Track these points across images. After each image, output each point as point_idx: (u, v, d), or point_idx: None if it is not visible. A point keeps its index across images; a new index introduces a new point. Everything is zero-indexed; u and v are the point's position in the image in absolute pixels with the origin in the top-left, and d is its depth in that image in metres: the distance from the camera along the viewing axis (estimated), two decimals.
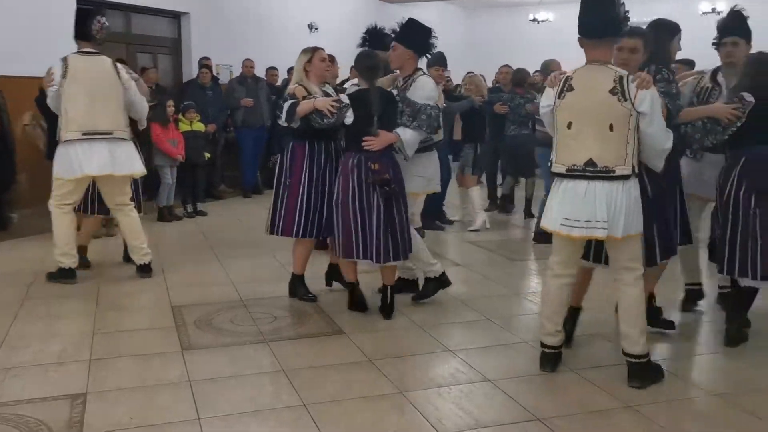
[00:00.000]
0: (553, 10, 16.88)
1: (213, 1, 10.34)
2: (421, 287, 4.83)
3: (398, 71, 4.68)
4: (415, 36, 4.59)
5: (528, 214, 8.01)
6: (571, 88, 3.39)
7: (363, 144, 4.24)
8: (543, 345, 3.66)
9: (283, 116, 4.44)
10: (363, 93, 4.31)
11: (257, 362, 3.78)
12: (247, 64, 9.55)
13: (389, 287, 4.47)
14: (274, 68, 10.23)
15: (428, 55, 4.79)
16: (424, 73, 4.64)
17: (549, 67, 6.91)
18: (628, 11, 3.39)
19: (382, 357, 3.84)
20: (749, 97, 3.82)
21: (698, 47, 5.49)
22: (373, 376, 3.60)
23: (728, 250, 3.91)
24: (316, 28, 12.23)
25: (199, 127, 8.31)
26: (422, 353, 3.92)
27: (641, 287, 3.49)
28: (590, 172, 3.33)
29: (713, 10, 15.30)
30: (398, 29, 4.62)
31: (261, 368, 3.69)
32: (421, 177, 4.68)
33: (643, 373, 3.46)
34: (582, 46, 3.44)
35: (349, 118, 4.27)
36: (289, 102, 4.44)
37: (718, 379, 3.68)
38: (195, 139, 8.06)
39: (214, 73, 9.94)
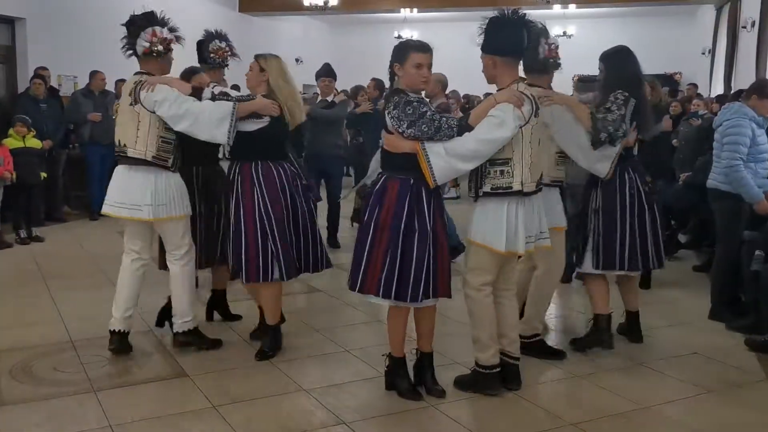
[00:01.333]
0: (417, 27, 17.14)
1: (53, 5, 9.49)
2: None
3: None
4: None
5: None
6: (538, 106, 3.45)
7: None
8: (485, 367, 3.51)
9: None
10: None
11: (81, 417, 3.29)
12: (99, 77, 8.82)
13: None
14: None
15: None
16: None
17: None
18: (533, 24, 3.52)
19: (228, 402, 3.47)
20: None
21: None
22: (216, 427, 3.22)
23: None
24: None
25: (35, 143, 7.53)
26: (273, 394, 3.58)
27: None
28: (538, 186, 3.49)
29: (564, 34, 16.11)
30: None
31: (85, 425, 3.21)
32: None
33: (519, 374, 3.65)
34: (495, 66, 3.40)
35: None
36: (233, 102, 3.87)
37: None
38: (27, 156, 7.28)
39: (55, 84, 9.11)
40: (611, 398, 3.58)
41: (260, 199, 3.89)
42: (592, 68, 4.32)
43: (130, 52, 3.99)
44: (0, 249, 6.94)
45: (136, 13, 3.99)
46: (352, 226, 7.88)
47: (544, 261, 4.04)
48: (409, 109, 3.26)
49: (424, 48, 3.38)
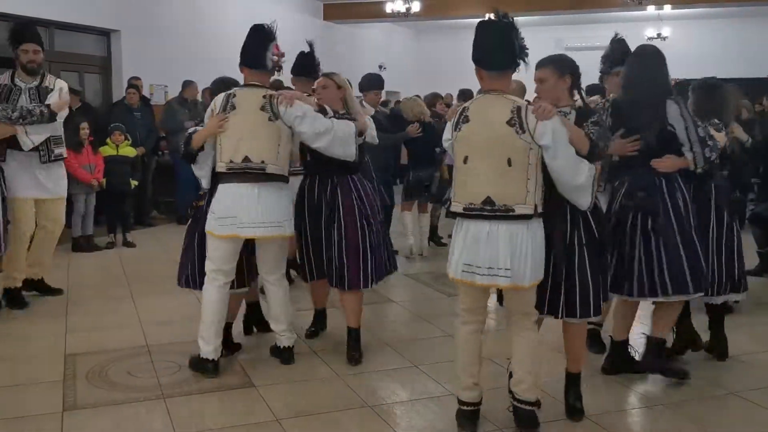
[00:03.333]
0: None
1: (146, 18, 9.88)
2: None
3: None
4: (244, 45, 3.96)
5: None
6: (466, 120, 3.09)
7: None
8: (460, 401, 3.29)
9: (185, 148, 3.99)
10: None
11: (147, 425, 3.33)
12: (194, 87, 9.11)
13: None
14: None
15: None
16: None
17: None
18: (523, 38, 3.11)
19: (292, 415, 3.43)
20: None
21: None
22: None
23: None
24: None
25: (129, 151, 7.81)
26: (337, 410, 3.51)
27: (537, 331, 3.28)
28: (488, 211, 3.01)
29: (659, 36, 15.46)
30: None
31: None
32: (211, 213, 3.95)
33: (533, 420, 3.22)
34: (479, 77, 3.16)
35: None
36: (190, 130, 4.05)
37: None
38: (119, 164, 7.55)
39: (146, 94, 9.46)
40: (698, 431, 3.31)
41: (361, 211, 4.05)
42: (688, 71, 4.08)
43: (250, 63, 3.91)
44: (90, 252, 7.24)
45: (261, 24, 3.92)
46: (429, 245, 7.71)
47: None
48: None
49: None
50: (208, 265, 3.88)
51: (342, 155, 3.92)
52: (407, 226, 7.13)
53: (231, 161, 3.78)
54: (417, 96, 8.13)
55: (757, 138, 6.77)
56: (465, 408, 3.26)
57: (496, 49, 3.05)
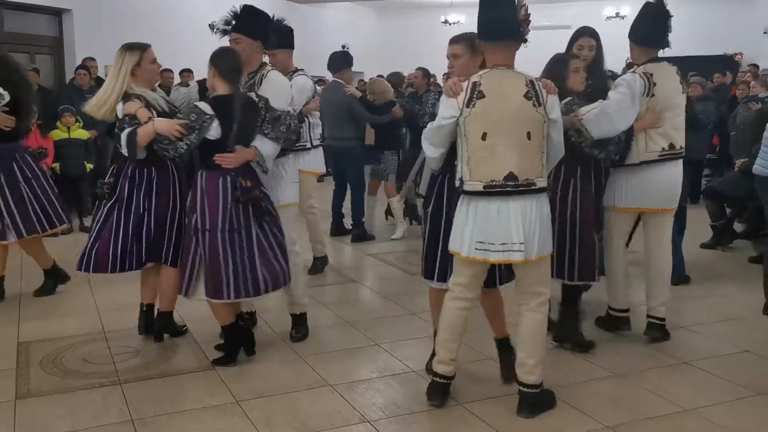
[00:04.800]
0: (464, 12, 16.78)
1: None
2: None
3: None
4: (257, 24, 3.91)
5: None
6: (481, 95, 3.02)
7: (216, 161, 3.57)
8: (434, 374, 3.29)
9: (124, 149, 3.68)
10: (225, 99, 3.60)
11: (103, 411, 3.27)
12: (167, 75, 8.91)
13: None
14: (188, 70, 9.51)
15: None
16: (272, 68, 4.04)
17: None
18: (529, 14, 3.10)
19: (253, 397, 3.40)
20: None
21: (607, 51, 5.30)
22: (237, 423, 3.15)
23: None
24: (219, 29, 11.65)
25: (81, 134, 7.62)
26: (297, 390, 3.50)
27: (545, 313, 3.25)
28: (511, 187, 3.02)
29: (617, 15, 15.58)
30: (235, 18, 3.86)
31: (106, 419, 3.19)
32: (295, 183, 4.14)
33: (535, 403, 3.20)
34: (483, 51, 3.17)
35: (214, 131, 3.55)
36: (127, 130, 3.65)
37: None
38: (72, 147, 7.37)
39: (102, 75, 9.22)
40: (653, 400, 3.38)
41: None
42: None
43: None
44: (44, 238, 7.05)
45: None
46: (387, 219, 7.77)
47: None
48: None
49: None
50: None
51: None
52: (398, 212, 7.19)
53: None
54: (380, 76, 8.09)
55: (710, 117, 6.90)
56: (438, 380, 3.27)
57: (498, 19, 3.05)
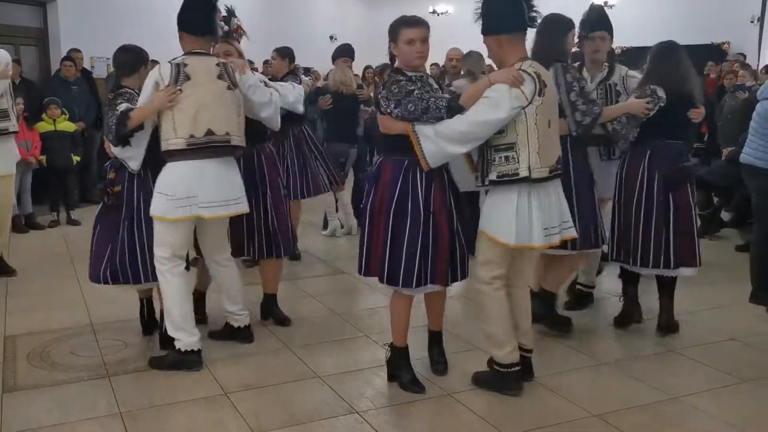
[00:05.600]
0: (452, 2, 16.74)
1: None
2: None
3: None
4: (183, 9, 3.63)
5: None
6: (545, 85, 3.12)
7: None
8: (506, 365, 3.28)
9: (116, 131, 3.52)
10: None
11: (91, 404, 3.26)
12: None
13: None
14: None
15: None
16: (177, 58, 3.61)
17: (477, 60, 5.94)
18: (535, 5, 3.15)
19: (241, 389, 3.40)
20: (661, 92, 3.87)
21: None
22: (225, 415, 3.15)
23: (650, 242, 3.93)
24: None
25: (68, 126, 7.56)
26: (286, 381, 3.50)
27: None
28: (559, 170, 3.24)
29: (606, 4, 15.57)
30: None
31: (94, 412, 3.18)
32: (159, 194, 3.60)
33: (531, 367, 3.49)
34: (498, 46, 3.15)
35: None
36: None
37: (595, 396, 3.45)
38: (59, 140, 7.31)
39: (87, 66, 9.16)
40: (639, 388, 3.41)
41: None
42: (635, 40, 4.10)
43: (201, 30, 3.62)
44: (27, 232, 7.01)
45: None
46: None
47: None
48: (395, 88, 3.12)
49: (414, 23, 3.21)
50: (164, 252, 3.56)
51: (275, 126, 3.97)
52: (327, 207, 6.80)
53: (191, 136, 3.43)
54: (349, 68, 7.81)
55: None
56: (513, 369, 3.30)
57: (516, 11, 3.09)
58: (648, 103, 3.84)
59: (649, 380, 3.47)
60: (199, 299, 4.16)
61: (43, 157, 7.18)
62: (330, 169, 5.83)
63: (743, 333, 4.10)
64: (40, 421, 3.09)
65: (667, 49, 4.00)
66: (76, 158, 7.61)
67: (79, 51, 8.76)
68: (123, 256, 3.71)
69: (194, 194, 3.47)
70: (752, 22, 14.80)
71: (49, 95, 7.65)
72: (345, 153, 6.68)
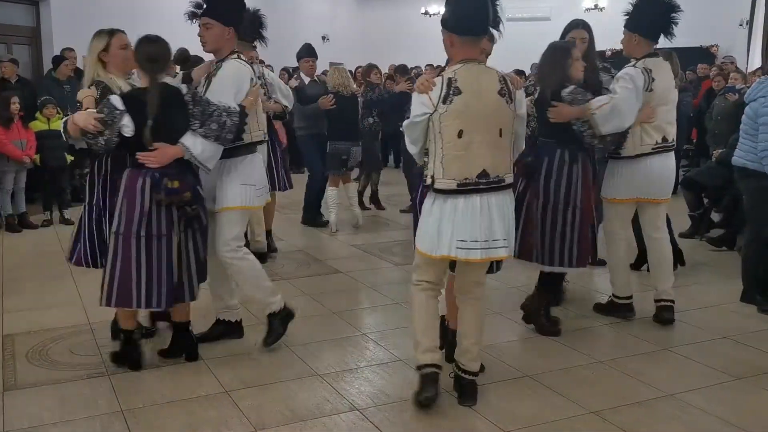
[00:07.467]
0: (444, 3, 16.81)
1: None
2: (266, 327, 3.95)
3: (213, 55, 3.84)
4: (230, 9, 3.70)
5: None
6: (458, 92, 2.97)
7: (139, 159, 3.38)
8: (422, 366, 3.22)
9: (63, 135, 3.58)
10: (139, 93, 3.42)
11: (91, 402, 3.27)
12: None
13: (181, 324, 3.72)
14: None
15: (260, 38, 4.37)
16: (239, 57, 3.73)
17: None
18: (500, 6, 3.13)
19: (242, 386, 3.43)
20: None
21: None
22: (226, 412, 3.18)
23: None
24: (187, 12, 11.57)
25: (60, 126, 7.53)
26: (286, 380, 3.53)
27: (485, 300, 3.33)
28: (483, 184, 3.01)
29: (596, 7, 15.69)
30: (206, 1, 3.63)
31: (95, 410, 3.20)
32: (246, 185, 3.75)
33: (475, 389, 3.28)
34: (451, 45, 3.09)
35: (127, 127, 3.33)
36: (65, 118, 3.61)
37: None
38: (52, 139, 7.28)
39: (80, 66, 9.11)
40: (634, 385, 3.46)
41: None
42: None
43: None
44: (21, 231, 6.99)
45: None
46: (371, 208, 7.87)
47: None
48: None
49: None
50: (238, 242, 3.76)
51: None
52: (329, 201, 6.98)
53: (259, 129, 3.97)
54: (337, 66, 7.94)
55: (687, 108, 7.01)
56: (428, 371, 3.19)
57: (474, 14, 3.00)
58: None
59: (644, 378, 3.53)
60: None
61: (37, 157, 7.15)
62: (285, 169, 6.03)
63: (735, 331, 4.16)
64: (41, 419, 3.10)
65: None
66: (69, 158, 7.59)
67: (72, 50, 8.73)
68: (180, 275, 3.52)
69: (265, 183, 3.97)
70: (741, 25, 14.98)
71: (42, 94, 7.62)
72: (347, 151, 6.91)
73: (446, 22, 3.07)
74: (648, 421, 3.12)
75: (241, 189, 3.73)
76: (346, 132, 6.83)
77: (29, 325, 4.27)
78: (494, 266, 3.51)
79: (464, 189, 3.00)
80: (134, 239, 3.38)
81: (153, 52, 3.42)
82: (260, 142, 3.98)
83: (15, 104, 6.81)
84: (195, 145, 3.44)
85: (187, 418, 3.12)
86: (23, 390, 3.41)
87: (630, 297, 4.36)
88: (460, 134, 2.98)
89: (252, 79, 3.71)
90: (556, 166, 3.89)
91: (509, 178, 3.10)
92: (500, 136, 3.04)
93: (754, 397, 3.35)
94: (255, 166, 3.84)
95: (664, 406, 3.26)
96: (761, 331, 4.18)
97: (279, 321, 3.88)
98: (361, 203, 7.76)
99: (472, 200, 3.00)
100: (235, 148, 3.69)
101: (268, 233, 6.11)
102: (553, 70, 3.86)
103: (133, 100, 3.38)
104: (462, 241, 3.00)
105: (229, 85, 3.58)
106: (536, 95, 3.99)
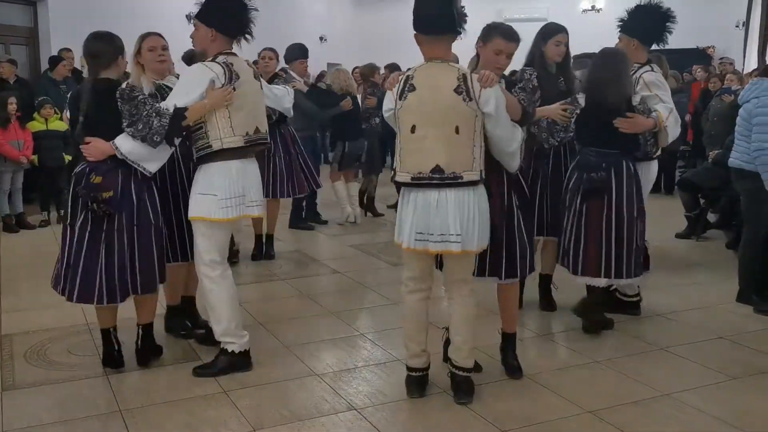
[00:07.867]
0: None
1: None
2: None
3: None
4: (212, 10, 3.53)
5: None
6: (412, 88, 3.04)
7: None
8: (409, 368, 3.33)
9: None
10: (81, 88, 3.49)
11: (91, 402, 3.28)
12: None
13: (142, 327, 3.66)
14: None
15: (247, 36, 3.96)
16: (225, 59, 3.50)
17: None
18: (464, 7, 3.11)
19: (240, 387, 3.44)
20: (581, 99, 3.96)
21: (583, 44, 5.47)
22: (225, 412, 3.19)
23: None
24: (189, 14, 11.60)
25: (59, 125, 7.54)
26: (284, 379, 3.54)
27: (475, 299, 3.30)
28: (437, 179, 3.03)
29: (593, 8, 15.73)
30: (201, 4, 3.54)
31: (94, 410, 3.21)
32: (204, 195, 3.45)
33: (471, 386, 3.29)
34: (419, 43, 3.13)
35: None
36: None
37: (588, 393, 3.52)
38: (50, 139, 7.30)
39: (78, 66, 9.12)
40: (631, 384, 3.48)
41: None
42: None
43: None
44: (18, 231, 7.00)
45: None
46: (366, 215, 7.89)
47: None
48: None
49: (510, 36, 3.28)
50: (215, 256, 3.48)
51: (290, 113, 5.08)
52: (340, 195, 7.27)
53: (247, 134, 3.47)
54: (339, 68, 8.01)
55: (684, 110, 7.03)
56: (414, 374, 3.30)
57: (436, 13, 3.01)
58: (565, 110, 3.94)
59: (641, 377, 3.54)
60: (189, 304, 4.18)
61: (34, 157, 7.16)
62: (311, 169, 6.07)
63: (731, 331, 4.18)
64: (40, 419, 3.11)
65: (598, 55, 4.04)
66: (67, 157, 7.59)
67: (69, 50, 8.74)
68: (123, 269, 3.39)
69: (244, 193, 3.49)
70: (737, 26, 15.03)
71: (39, 94, 7.63)
72: (361, 147, 7.27)
73: (413, 22, 3.12)
74: (644, 420, 3.14)
75: (199, 198, 3.45)
76: (357, 131, 7.26)
77: (27, 325, 4.27)
78: (519, 270, 3.42)
79: (418, 183, 3.06)
80: (69, 230, 3.39)
81: (94, 48, 3.41)
82: (243, 149, 3.48)
83: (12, 104, 6.82)
84: (124, 144, 3.30)
85: (186, 418, 3.13)
86: (21, 390, 3.41)
87: (638, 295, 4.42)
88: (413, 129, 3.05)
89: (213, 81, 3.38)
90: (626, 177, 3.94)
91: (470, 176, 3.04)
92: (457, 133, 3.01)
93: (750, 396, 3.37)
94: (223, 175, 3.42)
95: (660, 405, 3.27)
96: (757, 331, 4.21)
97: (228, 361, 3.55)
98: (361, 203, 7.81)
99: (430, 194, 3.05)
100: (203, 156, 3.46)
101: (269, 239, 6.05)
102: (619, 79, 3.89)
103: (77, 95, 3.50)
104: (420, 233, 3.08)
105: (181, 85, 3.47)
106: (580, 104, 3.97)
